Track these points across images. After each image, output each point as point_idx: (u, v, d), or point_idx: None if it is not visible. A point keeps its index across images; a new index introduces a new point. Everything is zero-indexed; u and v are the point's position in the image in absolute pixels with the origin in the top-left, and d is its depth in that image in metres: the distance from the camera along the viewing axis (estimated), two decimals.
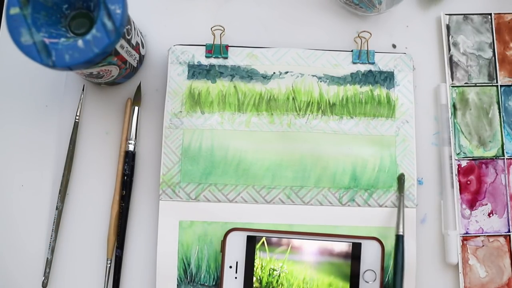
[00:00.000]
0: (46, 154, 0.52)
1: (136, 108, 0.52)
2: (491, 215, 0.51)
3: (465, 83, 0.53)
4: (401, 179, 0.50)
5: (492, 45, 0.54)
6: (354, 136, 0.51)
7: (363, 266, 0.48)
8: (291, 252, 0.48)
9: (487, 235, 0.50)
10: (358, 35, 0.53)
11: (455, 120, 0.52)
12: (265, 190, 0.50)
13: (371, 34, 0.53)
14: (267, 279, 0.47)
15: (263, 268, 0.47)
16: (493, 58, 0.53)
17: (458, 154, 0.52)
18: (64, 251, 0.50)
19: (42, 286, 0.49)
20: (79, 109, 0.52)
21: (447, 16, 0.54)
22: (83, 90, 0.52)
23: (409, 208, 0.50)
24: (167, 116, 0.51)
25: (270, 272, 0.47)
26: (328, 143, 0.51)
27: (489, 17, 0.54)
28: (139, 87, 0.52)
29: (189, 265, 0.49)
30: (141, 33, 0.52)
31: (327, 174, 0.50)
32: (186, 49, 0.52)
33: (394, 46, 0.54)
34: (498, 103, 0.53)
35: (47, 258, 0.49)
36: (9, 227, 0.50)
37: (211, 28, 0.52)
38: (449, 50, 0.54)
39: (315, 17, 0.55)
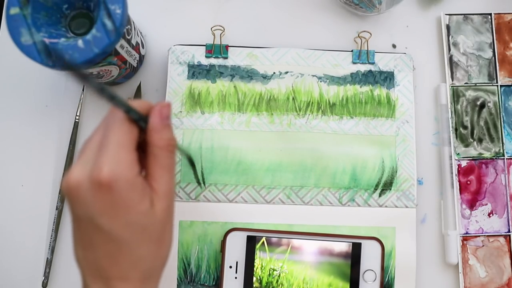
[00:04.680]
0: (46, 154, 0.51)
1: None
2: (491, 215, 0.51)
3: (465, 83, 0.53)
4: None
5: (492, 45, 0.54)
6: (354, 136, 0.51)
7: (363, 266, 0.48)
8: (291, 252, 0.48)
9: (487, 235, 0.50)
10: (358, 35, 0.53)
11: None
12: (265, 190, 0.50)
13: (371, 34, 0.53)
14: (267, 279, 0.47)
15: (263, 268, 0.47)
16: (493, 58, 0.53)
17: (458, 154, 0.52)
18: (64, 251, 0.50)
19: (42, 286, 0.49)
20: (79, 109, 0.52)
21: (447, 16, 0.54)
22: (83, 90, 0.52)
23: (409, 208, 0.50)
24: None
25: (270, 272, 0.47)
26: (328, 143, 0.51)
27: (489, 17, 0.54)
28: (139, 87, 0.52)
29: (189, 265, 0.49)
30: (141, 33, 0.52)
31: (327, 174, 0.50)
32: (186, 49, 0.52)
33: (394, 46, 0.54)
34: (498, 103, 0.53)
35: (47, 258, 0.49)
36: (9, 227, 0.50)
37: (211, 28, 0.52)
38: (449, 50, 0.54)
39: (315, 17, 0.55)
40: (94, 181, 0.32)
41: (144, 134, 0.35)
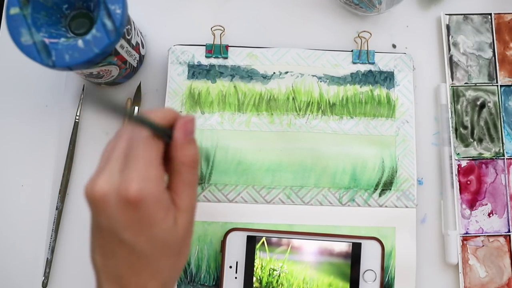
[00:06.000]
0: (46, 154, 0.51)
1: (136, 108, 0.52)
2: (491, 215, 0.51)
3: (465, 83, 0.53)
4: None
5: (492, 45, 0.54)
6: (354, 136, 0.51)
7: (363, 266, 0.48)
8: (291, 252, 0.48)
9: (487, 235, 0.50)
10: (358, 35, 0.53)
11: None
12: (265, 190, 0.50)
13: (371, 34, 0.53)
14: (267, 279, 0.47)
15: (263, 268, 0.47)
16: (493, 58, 0.53)
17: (458, 154, 0.52)
18: (64, 251, 0.50)
19: (42, 286, 0.49)
20: (79, 109, 0.52)
21: (447, 16, 0.54)
22: (83, 90, 0.52)
23: (409, 208, 0.50)
24: None
25: (270, 272, 0.47)
26: (328, 143, 0.51)
27: (489, 17, 0.54)
28: (139, 87, 0.52)
29: (189, 265, 0.49)
30: (141, 33, 0.52)
31: (327, 174, 0.50)
32: (186, 49, 0.52)
33: (394, 46, 0.54)
34: (498, 103, 0.53)
35: (47, 258, 0.49)
36: (9, 227, 0.50)
37: (211, 28, 0.52)
38: (449, 50, 0.54)
39: (315, 17, 0.55)
40: (121, 196, 0.32)
41: (167, 147, 0.35)
